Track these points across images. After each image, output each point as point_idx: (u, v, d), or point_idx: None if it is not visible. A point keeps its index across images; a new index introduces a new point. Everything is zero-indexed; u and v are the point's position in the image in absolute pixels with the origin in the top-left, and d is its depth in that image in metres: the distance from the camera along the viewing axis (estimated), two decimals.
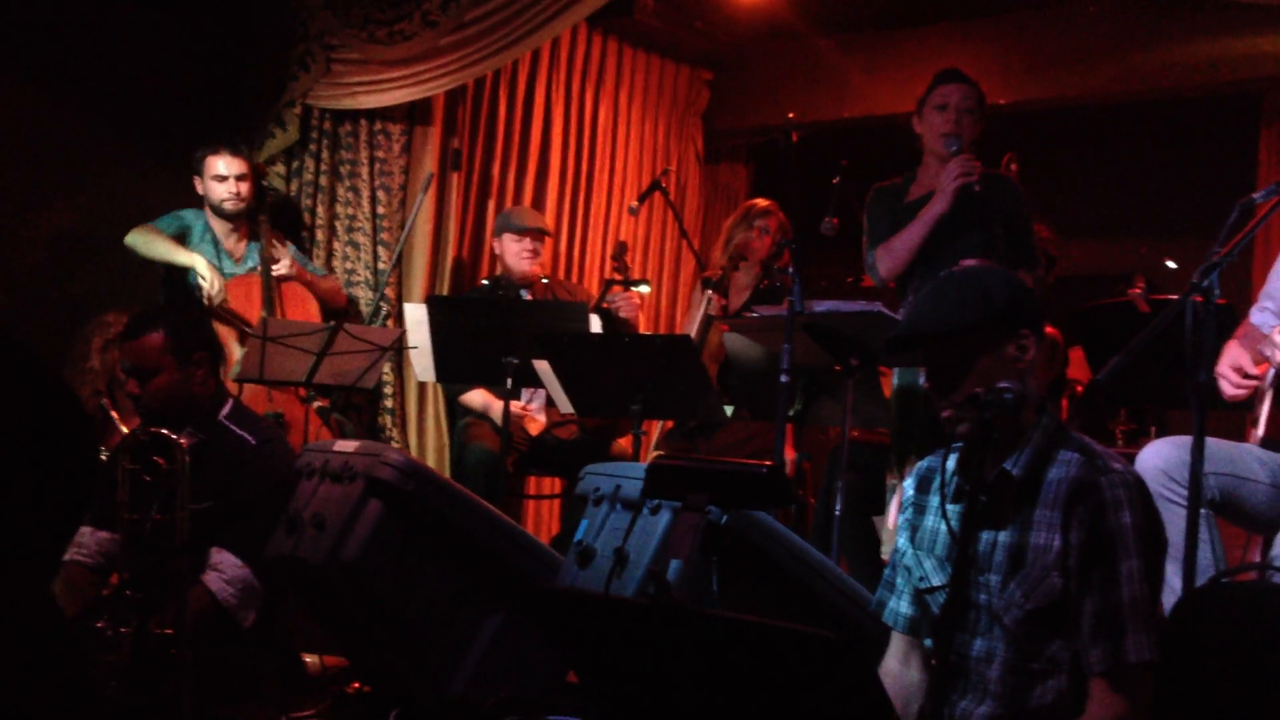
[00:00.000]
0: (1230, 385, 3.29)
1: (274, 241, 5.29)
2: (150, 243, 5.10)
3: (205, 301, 5.00)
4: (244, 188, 5.25)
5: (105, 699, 3.03)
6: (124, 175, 5.37)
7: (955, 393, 2.40)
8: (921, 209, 4.15)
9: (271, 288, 5.20)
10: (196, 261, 5.06)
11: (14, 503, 1.51)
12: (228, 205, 5.23)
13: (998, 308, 2.41)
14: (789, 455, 4.48)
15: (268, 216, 5.34)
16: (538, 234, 5.50)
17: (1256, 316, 3.50)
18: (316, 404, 5.05)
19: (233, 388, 4.44)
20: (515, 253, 5.47)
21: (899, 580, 2.59)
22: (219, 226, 5.29)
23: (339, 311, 5.52)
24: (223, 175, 5.21)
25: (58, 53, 5.19)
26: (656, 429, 5.68)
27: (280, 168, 5.71)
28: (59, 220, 5.25)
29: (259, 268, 5.23)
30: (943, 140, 4.18)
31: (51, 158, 5.21)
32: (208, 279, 5.02)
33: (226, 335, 4.96)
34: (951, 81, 4.25)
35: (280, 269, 5.25)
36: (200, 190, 5.26)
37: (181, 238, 5.19)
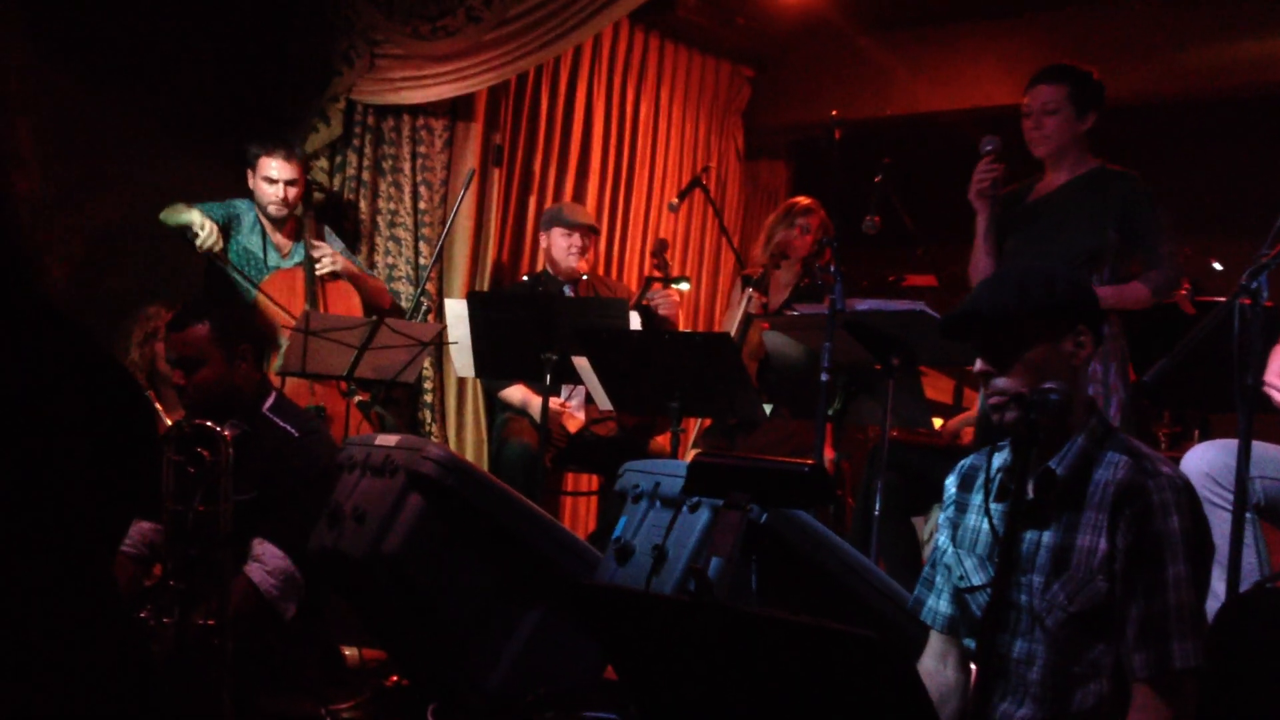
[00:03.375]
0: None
1: (314, 240, 5.32)
2: (170, 211, 5.12)
3: (199, 249, 5.04)
4: (292, 193, 5.25)
5: (161, 683, 3.05)
6: (168, 168, 5.40)
7: (1006, 371, 2.38)
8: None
9: (314, 282, 5.22)
10: (192, 215, 5.07)
11: (81, 487, 1.53)
12: (272, 209, 5.25)
13: (1058, 299, 2.40)
14: (828, 454, 4.46)
15: (314, 213, 5.37)
16: (587, 231, 5.51)
17: None
18: (357, 398, 5.07)
19: (275, 380, 4.47)
20: (564, 248, 5.48)
21: (938, 579, 2.58)
22: (267, 221, 5.32)
23: (383, 311, 5.54)
24: (273, 179, 5.22)
25: (103, 46, 5.22)
26: (694, 427, 5.68)
27: (323, 163, 5.74)
28: (104, 213, 5.28)
29: (304, 263, 5.27)
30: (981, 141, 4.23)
31: (96, 150, 5.24)
32: (204, 228, 5.04)
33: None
34: (1035, 84, 4.23)
35: (324, 267, 5.26)
36: (251, 184, 5.29)
37: (229, 224, 5.22)
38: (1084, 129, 4.21)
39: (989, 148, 4.19)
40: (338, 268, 5.29)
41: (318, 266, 5.25)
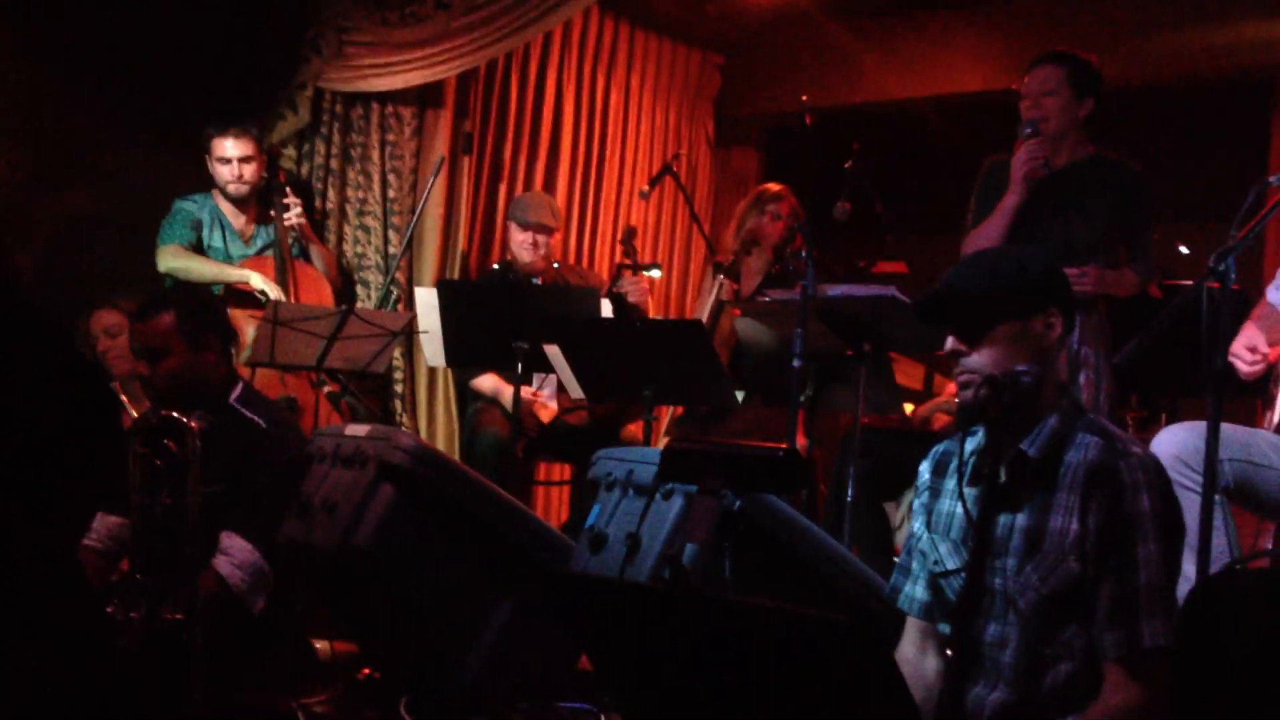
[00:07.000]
0: (1245, 364, 3.28)
1: (288, 193, 5.28)
2: (190, 269, 5.08)
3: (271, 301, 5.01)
4: (248, 170, 5.23)
5: (124, 667, 3.02)
6: (136, 156, 5.37)
7: (977, 343, 2.39)
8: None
9: (285, 270, 5.19)
10: (251, 278, 5.06)
11: (41, 478, 1.51)
12: (231, 188, 5.23)
13: (1031, 280, 2.41)
14: (800, 442, 4.46)
15: (281, 196, 5.31)
16: (540, 228, 5.44)
17: (1274, 294, 3.49)
18: (326, 389, 5.04)
19: (244, 372, 4.44)
20: (518, 243, 5.45)
21: (914, 565, 2.58)
22: (227, 208, 5.28)
23: (344, 294, 5.53)
24: (227, 158, 5.20)
25: (70, 33, 5.18)
26: (666, 415, 5.67)
27: (291, 151, 5.70)
28: (71, 201, 5.24)
29: (272, 250, 5.23)
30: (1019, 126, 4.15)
31: (64, 138, 5.20)
32: (270, 292, 5.03)
33: (240, 318, 4.96)
34: (1033, 68, 4.20)
35: (292, 219, 5.24)
36: (210, 170, 5.25)
37: (197, 236, 5.18)
38: (1083, 114, 4.18)
39: (1029, 131, 4.11)
40: (303, 221, 5.28)
41: (288, 217, 5.23)
